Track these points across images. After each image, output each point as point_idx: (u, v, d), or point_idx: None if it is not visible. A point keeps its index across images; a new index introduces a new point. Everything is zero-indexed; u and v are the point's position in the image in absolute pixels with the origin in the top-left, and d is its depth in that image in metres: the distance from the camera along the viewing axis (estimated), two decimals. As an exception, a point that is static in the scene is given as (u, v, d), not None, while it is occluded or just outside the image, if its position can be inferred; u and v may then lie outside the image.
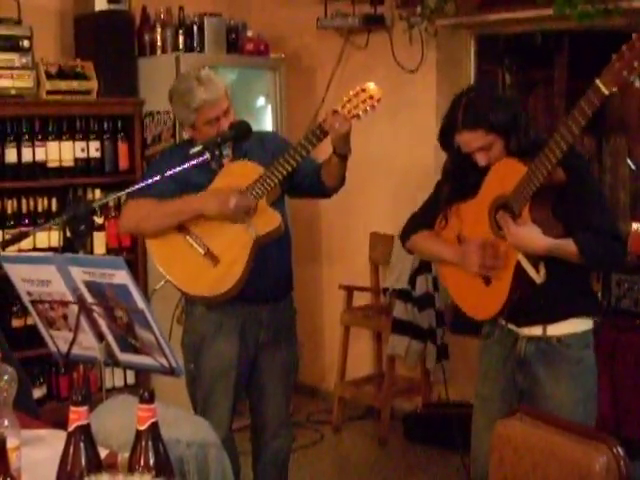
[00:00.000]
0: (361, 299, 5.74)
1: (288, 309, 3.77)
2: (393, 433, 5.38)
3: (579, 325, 3.11)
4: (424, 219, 3.39)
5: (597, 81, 2.67)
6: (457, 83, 5.50)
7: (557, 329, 3.09)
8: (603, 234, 2.97)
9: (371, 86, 3.42)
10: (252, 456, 3.87)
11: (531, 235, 2.94)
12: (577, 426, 2.55)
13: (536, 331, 3.11)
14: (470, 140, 3.04)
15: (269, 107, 5.73)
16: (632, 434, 3.28)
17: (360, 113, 3.41)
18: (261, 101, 5.74)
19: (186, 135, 3.71)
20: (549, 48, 6.50)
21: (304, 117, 5.86)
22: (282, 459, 3.85)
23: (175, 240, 3.52)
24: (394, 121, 5.35)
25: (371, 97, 3.41)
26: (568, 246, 2.94)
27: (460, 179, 3.19)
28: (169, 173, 3.24)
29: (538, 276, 3.00)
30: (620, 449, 2.31)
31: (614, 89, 2.64)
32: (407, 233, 3.45)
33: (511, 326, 3.18)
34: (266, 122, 5.71)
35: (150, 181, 3.31)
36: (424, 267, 5.32)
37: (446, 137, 3.15)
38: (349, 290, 5.66)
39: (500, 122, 2.99)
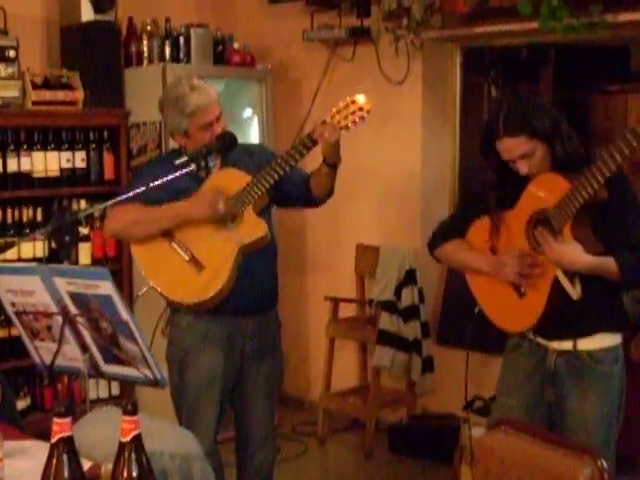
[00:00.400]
0: (347, 310, 5.73)
1: (273, 321, 3.76)
2: (378, 445, 5.37)
3: (609, 340, 3.11)
4: (455, 228, 3.37)
5: None
6: (443, 95, 5.53)
7: (588, 344, 3.08)
8: None
9: (361, 98, 3.42)
10: (236, 468, 3.86)
11: (573, 253, 2.93)
12: (561, 439, 2.56)
13: (566, 345, 3.11)
14: (513, 147, 3.01)
15: (255, 118, 5.73)
16: (620, 448, 3.31)
17: (349, 124, 3.41)
18: (247, 112, 5.73)
19: (175, 144, 3.69)
20: (535, 61, 6.55)
21: (290, 128, 5.87)
22: (266, 471, 3.84)
23: (160, 246, 3.52)
24: (380, 133, 5.37)
25: (361, 109, 3.41)
26: (608, 265, 2.94)
27: (500, 189, 3.16)
28: (153, 185, 3.23)
29: (575, 292, 3.00)
30: (604, 462, 2.31)
31: None
32: (437, 240, 3.43)
33: (540, 339, 3.17)
34: (252, 133, 5.71)
35: (135, 191, 3.31)
36: (410, 279, 5.34)
37: (487, 146, 3.11)
38: (335, 301, 5.65)
39: (542, 128, 2.97)
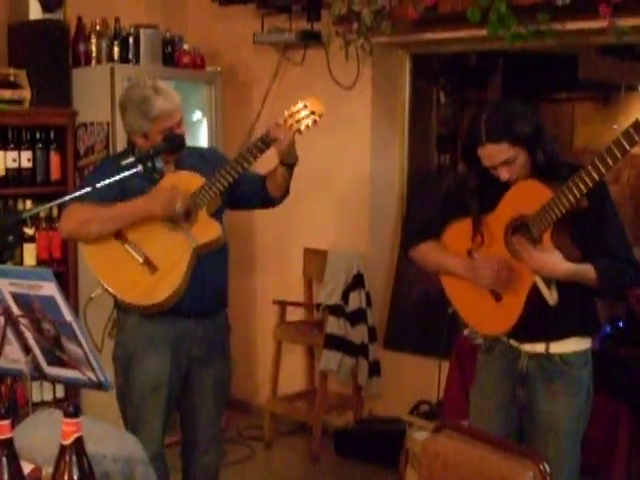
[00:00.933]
0: (294, 314, 5.73)
1: (223, 324, 3.75)
2: (324, 448, 5.37)
3: (580, 344, 3.14)
4: (431, 229, 3.36)
5: (639, 118, 2.66)
6: (392, 100, 5.56)
7: (560, 347, 3.11)
8: (620, 260, 3.01)
9: (313, 101, 3.44)
10: (182, 471, 3.83)
11: (554, 261, 2.95)
12: (504, 442, 2.58)
13: (539, 348, 3.13)
14: (495, 153, 2.99)
15: (205, 121, 5.71)
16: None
17: (302, 128, 3.44)
18: (197, 115, 5.71)
19: (122, 145, 3.66)
20: (483, 68, 6.61)
21: (240, 132, 5.86)
22: (212, 475, 3.83)
23: (113, 248, 3.49)
24: (330, 137, 5.37)
25: (313, 112, 3.44)
26: (587, 272, 2.96)
27: (481, 194, 3.16)
28: (100, 185, 3.20)
29: (552, 298, 3.02)
30: (546, 465, 2.34)
31: None
32: (412, 240, 3.42)
33: (513, 342, 3.19)
34: (201, 136, 5.68)
35: (84, 191, 3.27)
36: (357, 283, 5.35)
37: (468, 153, 3.09)
38: (282, 305, 5.65)
39: (524, 134, 2.97)
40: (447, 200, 3.37)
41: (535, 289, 3.03)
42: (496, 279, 3.08)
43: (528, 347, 3.16)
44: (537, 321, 3.09)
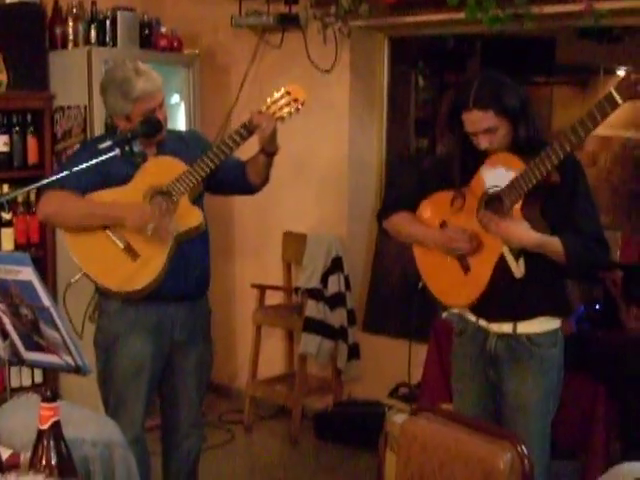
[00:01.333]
0: (273, 298, 5.74)
1: (204, 309, 3.75)
2: (304, 432, 5.39)
3: (548, 324, 3.18)
4: (406, 200, 3.40)
5: (612, 90, 2.71)
6: (371, 84, 5.56)
7: (527, 327, 3.15)
8: (589, 238, 3.05)
9: (296, 88, 3.44)
10: (162, 456, 3.83)
11: (521, 229, 3.01)
12: (482, 424, 2.59)
13: (506, 328, 3.17)
14: (479, 119, 3.04)
15: (182, 104, 5.68)
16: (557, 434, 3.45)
17: (284, 115, 3.46)
18: (175, 98, 5.68)
19: (99, 129, 3.64)
20: (462, 52, 6.60)
21: (218, 115, 5.85)
22: (193, 459, 3.83)
23: (94, 234, 3.47)
24: (308, 120, 5.35)
25: (295, 100, 3.44)
26: (554, 245, 3.01)
27: (462, 163, 3.20)
28: (76, 169, 3.18)
29: (518, 270, 3.07)
30: (524, 447, 2.35)
31: (627, 99, 2.68)
32: (387, 211, 3.45)
33: (482, 322, 3.24)
34: (179, 119, 5.66)
35: (61, 175, 3.25)
36: (336, 266, 5.35)
37: (452, 117, 3.15)
38: (261, 289, 5.65)
39: (511, 106, 3.03)
40: (425, 176, 3.42)
41: (502, 261, 3.08)
42: (468, 245, 3.13)
43: (496, 327, 3.20)
44: (504, 298, 3.13)
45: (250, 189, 3.73)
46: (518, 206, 3.00)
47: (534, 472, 2.37)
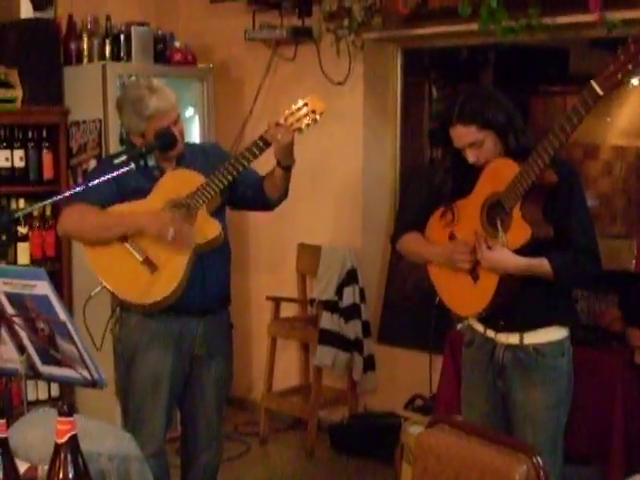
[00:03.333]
0: (288, 310, 5.74)
1: (225, 323, 3.75)
2: (320, 444, 5.38)
3: (555, 334, 3.19)
4: (412, 221, 3.46)
5: (592, 82, 2.76)
6: (384, 96, 5.56)
7: (534, 337, 3.17)
8: (580, 250, 3.07)
9: (314, 99, 3.44)
10: (181, 469, 3.84)
11: (503, 258, 3.05)
12: (498, 435, 2.58)
13: (513, 339, 3.19)
14: (462, 135, 3.11)
15: (197, 118, 5.71)
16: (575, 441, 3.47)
17: (302, 127, 3.44)
18: (189, 112, 5.71)
19: (115, 144, 3.67)
20: (475, 63, 6.59)
21: (232, 128, 5.87)
22: (211, 473, 3.84)
23: (113, 246, 3.49)
24: (322, 133, 5.36)
25: (313, 111, 3.44)
26: (542, 266, 3.05)
27: (457, 177, 3.26)
28: (92, 183, 3.21)
29: None
30: (539, 459, 2.35)
31: (608, 90, 2.73)
32: (397, 234, 3.51)
33: (490, 333, 3.25)
34: (194, 133, 5.68)
35: (78, 189, 3.28)
36: (351, 278, 5.35)
37: (443, 133, 3.20)
38: (276, 301, 5.65)
39: (494, 120, 3.08)
40: (432, 191, 3.43)
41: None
42: (469, 257, 3.16)
43: (503, 338, 3.21)
44: (511, 309, 3.15)
45: (268, 204, 3.72)
46: (517, 208, 3.02)
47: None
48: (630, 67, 2.71)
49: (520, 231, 3.02)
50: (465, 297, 3.27)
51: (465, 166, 3.19)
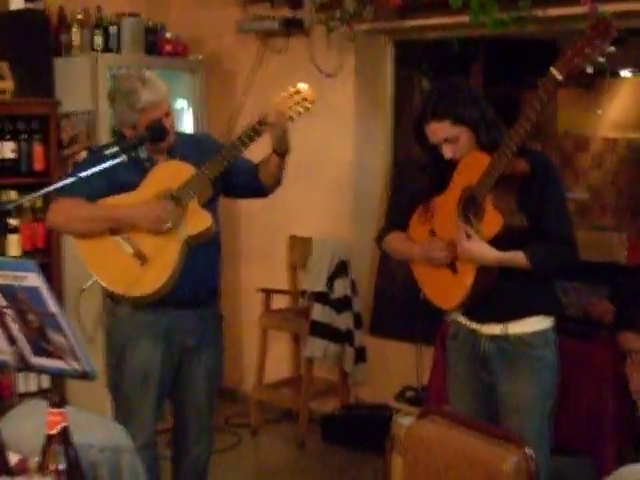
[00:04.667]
0: (279, 302, 5.74)
1: (215, 315, 3.75)
2: (311, 435, 5.39)
3: (539, 324, 3.21)
4: (395, 220, 3.51)
5: (552, 69, 2.82)
6: (375, 87, 5.56)
7: (517, 327, 3.19)
8: (556, 242, 3.09)
9: (305, 88, 3.43)
10: (172, 461, 3.85)
11: (480, 249, 3.07)
12: (488, 427, 2.60)
13: (497, 330, 3.21)
14: (436, 130, 3.14)
15: (188, 109, 5.70)
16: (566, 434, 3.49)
17: (293, 115, 3.44)
18: (180, 103, 5.70)
19: (105, 135, 3.66)
20: (466, 55, 6.59)
21: (223, 119, 5.86)
22: (202, 464, 3.84)
23: (104, 239, 3.48)
24: (313, 124, 5.36)
25: (305, 99, 3.43)
26: (517, 259, 3.08)
27: (434, 174, 3.28)
28: (82, 175, 3.20)
29: None
30: (529, 450, 2.36)
31: (567, 75, 2.80)
32: (381, 234, 3.55)
33: (473, 325, 3.28)
34: (186, 124, 5.68)
35: (68, 181, 3.26)
36: (342, 270, 5.36)
37: (419, 130, 3.22)
38: (267, 293, 5.66)
39: (466, 115, 3.10)
40: (412, 189, 3.47)
41: None
42: (444, 254, 3.20)
43: (487, 329, 3.23)
44: (493, 300, 3.17)
45: (263, 191, 3.72)
46: (489, 199, 3.04)
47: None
48: (587, 51, 2.76)
49: (492, 220, 3.05)
50: (445, 290, 3.29)
51: (442, 162, 3.21)
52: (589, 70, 2.82)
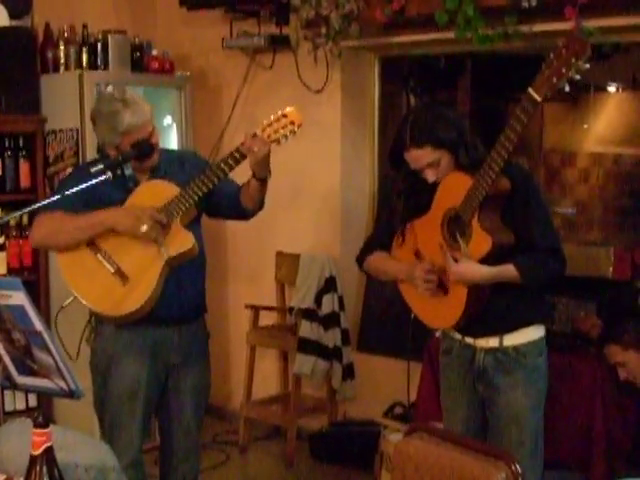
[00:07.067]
0: (267, 318, 5.73)
1: (200, 331, 3.73)
2: (299, 452, 5.37)
3: (533, 333, 3.24)
4: (377, 240, 3.48)
5: (530, 89, 2.82)
6: (362, 104, 5.57)
7: (513, 339, 3.21)
8: (543, 252, 3.11)
9: (292, 111, 3.41)
10: (160, 479, 3.81)
11: (470, 270, 3.08)
12: (476, 443, 2.59)
13: (493, 342, 3.22)
14: (418, 157, 3.13)
15: (174, 126, 5.69)
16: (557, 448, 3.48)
17: (280, 138, 3.39)
18: (167, 120, 5.70)
19: (90, 151, 3.65)
20: (452, 70, 6.62)
21: (210, 136, 5.86)
22: (190, 482, 3.82)
23: (85, 257, 3.47)
24: (299, 141, 5.34)
25: (292, 122, 3.39)
26: (508, 272, 3.09)
27: (413, 197, 3.27)
28: (69, 192, 3.19)
29: None
30: (518, 466, 2.35)
31: (546, 95, 2.80)
32: (363, 255, 3.53)
33: (468, 340, 3.28)
34: (172, 141, 5.67)
35: (53, 198, 3.26)
36: (330, 286, 5.35)
37: (395, 156, 3.22)
38: (255, 309, 5.64)
39: (447, 138, 3.10)
40: (392, 209, 3.44)
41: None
42: (427, 281, 3.19)
43: (483, 342, 3.25)
44: (488, 314, 3.18)
45: (244, 214, 3.68)
46: (475, 219, 3.05)
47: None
48: (564, 70, 2.77)
49: (481, 240, 3.06)
50: (438, 311, 3.29)
51: (420, 185, 3.21)
52: (567, 88, 2.82)
